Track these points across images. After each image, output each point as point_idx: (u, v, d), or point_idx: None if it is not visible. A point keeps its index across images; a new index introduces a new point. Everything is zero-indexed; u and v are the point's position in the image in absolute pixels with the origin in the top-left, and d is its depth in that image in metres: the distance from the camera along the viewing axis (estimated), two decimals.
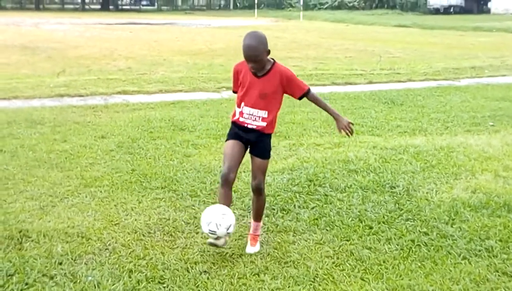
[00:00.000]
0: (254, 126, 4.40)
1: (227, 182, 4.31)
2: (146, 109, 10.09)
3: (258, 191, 4.51)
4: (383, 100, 11.39)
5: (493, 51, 22.56)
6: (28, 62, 16.74)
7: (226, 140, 4.51)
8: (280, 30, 34.80)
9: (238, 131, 4.46)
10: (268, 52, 4.31)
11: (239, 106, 4.46)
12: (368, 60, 18.54)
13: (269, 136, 4.51)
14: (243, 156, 4.47)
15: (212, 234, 4.17)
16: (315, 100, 4.59)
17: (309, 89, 4.51)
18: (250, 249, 4.49)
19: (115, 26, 36.85)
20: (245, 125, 4.42)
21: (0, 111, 9.58)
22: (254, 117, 4.39)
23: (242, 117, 4.42)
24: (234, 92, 4.58)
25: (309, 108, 10.19)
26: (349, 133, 4.57)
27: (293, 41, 25.94)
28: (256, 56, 4.24)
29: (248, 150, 4.51)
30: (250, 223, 4.75)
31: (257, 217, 4.63)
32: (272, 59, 4.42)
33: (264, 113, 4.39)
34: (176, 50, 21.10)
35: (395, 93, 12.23)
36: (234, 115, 4.51)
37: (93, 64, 16.50)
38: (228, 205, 4.33)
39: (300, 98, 4.54)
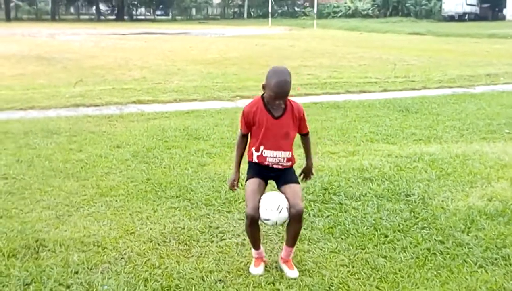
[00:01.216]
0: (280, 167, 4.27)
1: (254, 221, 4.17)
2: (161, 118, 10.14)
3: (299, 217, 4.23)
4: (398, 108, 11.36)
5: (508, 58, 22.44)
6: (44, 72, 16.90)
7: (246, 180, 4.32)
8: (294, 39, 34.85)
9: (261, 170, 4.29)
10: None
11: (257, 150, 4.26)
12: (383, 68, 18.51)
13: (292, 167, 4.38)
14: (264, 192, 4.32)
15: (267, 221, 4.16)
16: (308, 140, 4.52)
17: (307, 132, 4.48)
18: (291, 273, 4.27)
19: (130, 36, 37.12)
20: (269, 165, 4.28)
21: (17, 121, 9.67)
22: (278, 159, 4.23)
23: (266, 161, 4.25)
24: (243, 135, 4.36)
25: (324, 116, 10.19)
26: (305, 179, 4.58)
27: (307, 49, 25.96)
28: (288, 92, 4.11)
29: (277, 186, 4.34)
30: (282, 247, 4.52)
31: (293, 243, 4.37)
32: None
33: (288, 154, 4.25)
34: (190, 59, 21.20)
35: (410, 101, 12.20)
36: (251, 155, 4.32)
37: (108, 74, 16.63)
38: (258, 236, 4.32)
39: (304, 134, 4.44)
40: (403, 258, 4.53)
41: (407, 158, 7.28)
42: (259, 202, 4.17)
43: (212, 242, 4.82)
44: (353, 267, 4.39)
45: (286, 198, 4.21)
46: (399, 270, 4.33)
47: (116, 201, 5.78)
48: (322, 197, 5.85)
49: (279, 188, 4.33)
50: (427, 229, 5.09)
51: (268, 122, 4.18)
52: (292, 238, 4.34)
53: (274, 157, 4.24)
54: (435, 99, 12.54)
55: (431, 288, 4.08)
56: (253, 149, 4.29)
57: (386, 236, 4.93)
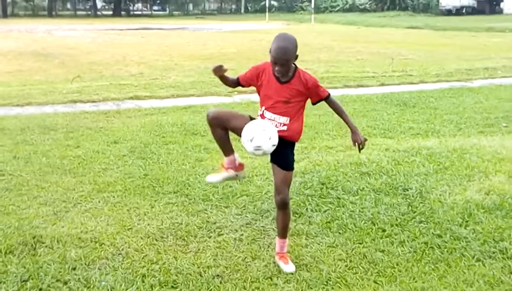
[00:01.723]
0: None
1: (212, 123, 4.26)
2: (158, 114, 10.12)
3: (283, 206, 4.25)
4: (395, 102, 11.36)
5: (506, 51, 22.43)
6: (41, 68, 16.86)
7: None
8: (291, 33, 34.77)
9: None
10: (297, 57, 4.19)
11: (260, 108, 4.31)
12: (380, 63, 18.49)
13: (292, 145, 4.30)
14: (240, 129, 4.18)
15: (257, 149, 4.01)
16: (333, 105, 4.47)
17: (329, 95, 4.40)
18: (287, 267, 4.25)
19: (127, 31, 37.06)
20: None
21: (14, 117, 9.65)
22: (275, 123, 4.19)
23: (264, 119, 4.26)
24: (238, 79, 4.42)
25: (321, 111, 10.17)
26: (360, 149, 4.47)
27: (304, 44, 25.89)
28: (287, 60, 4.09)
29: (270, 158, 4.29)
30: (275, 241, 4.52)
31: (284, 234, 4.38)
32: (294, 64, 4.25)
33: (286, 120, 4.19)
34: (187, 55, 21.16)
35: (408, 95, 12.19)
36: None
37: (105, 70, 16.59)
38: (226, 139, 4.29)
39: (322, 100, 4.40)
40: (401, 252, 4.54)
41: (405, 152, 7.28)
42: (227, 117, 4.24)
43: (209, 237, 4.82)
44: (350, 261, 4.39)
45: (274, 182, 4.25)
46: (397, 264, 4.33)
47: (114, 196, 5.77)
48: (319, 192, 5.85)
49: (271, 163, 4.30)
50: (425, 223, 5.10)
51: (270, 84, 4.21)
52: (282, 228, 4.36)
53: (272, 119, 4.21)
54: (433, 93, 12.54)
55: (429, 282, 4.08)
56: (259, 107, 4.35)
57: (384, 230, 4.93)
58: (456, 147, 7.50)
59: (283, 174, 4.22)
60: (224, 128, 4.28)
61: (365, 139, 4.45)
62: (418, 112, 10.38)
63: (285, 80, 4.20)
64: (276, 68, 4.13)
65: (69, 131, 8.59)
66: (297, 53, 4.18)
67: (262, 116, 4.26)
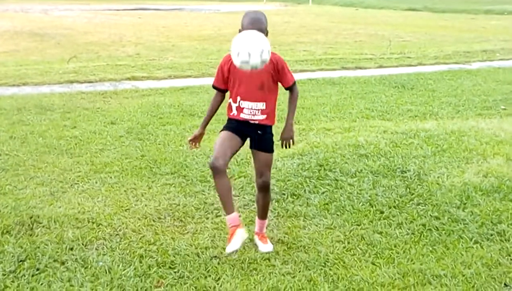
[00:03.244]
0: (256, 121, 4.14)
1: (217, 170, 3.96)
2: (155, 95, 10.07)
3: (265, 188, 4.25)
4: (394, 84, 11.33)
5: (505, 34, 22.38)
6: (37, 48, 16.76)
7: (220, 131, 4.23)
8: (289, 15, 34.63)
9: (238, 126, 4.16)
10: (267, 33, 4.02)
11: (235, 101, 4.15)
12: (378, 45, 18.44)
13: (270, 128, 4.25)
14: (237, 149, 4.20)
15: (245, 64, 3.79)
16: (293, 94, 4.25)
17: (295, 82, 4.23)
18: (264, 247, 4.28)
19: (124, 12, 36.82)
20: (246, 120, 4.14)
21: (10, 97, 9.60)
22: (254, 112, 4.11)
23: (242, 113, 4.13)
24: (214, 87, 4.27)
25: (319, 93, 10.15)
26: (285, 146, 4.31)
27: (302, 26, 25.80)
28: (262, 29, 3.93)
29: (250, 145, 4.24)
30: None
31: (264, 215, 4.39)
32: None
33: (262, 105, 4.10)
34: (185, 35, 21.05)
35: (406, 78, 12.16)
36: (230, 110, 4.21)
37: (102, 50, 16.50)
38: (228, 193, 4.05)
39: (287, 89, 4.22)
40: (399, 234, 4.53)
41: (403, 134, 7.26)
42: (224, 151, 4.03)
43: (207, 218, 4.81)
44: (348, 243, 4.39)
45: (255, 166, 4.22)
46: (395, 246, 4.33)
47: (111, 177, 5.75)
48: (317, 173, 5.83)
49: (251, 149, 4.24)
50: (423, 205, 5.09)
51: (244, 72, 3.98)
52: (263, 209, 4.36)
53: (250, 108, 4.12)
54: (431, 76, 12.51)
55: (427, 263, 4.07)
56: (230, 100, 4.20)
57: (382, 212, 4.93)
58: (454, 129, 7.49)
59: (266, 156, 4.21)
60: (228, 179, 4.10)
61: (293, 143, 4.32)
62: (416, 95, 10.36)
63: None
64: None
65: (65, 112, 8.54)
66: (267, 28, 4.07)
67: (239, 108, 4.14)
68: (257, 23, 3.98)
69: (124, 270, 3.94)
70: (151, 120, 8.05)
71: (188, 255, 4.16)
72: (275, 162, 6.12)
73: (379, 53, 16.02)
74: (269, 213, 4.81)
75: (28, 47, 17.06)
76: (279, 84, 4.20)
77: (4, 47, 16.83)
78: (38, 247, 4.22)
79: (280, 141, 4.29)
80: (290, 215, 4.89)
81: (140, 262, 4.05)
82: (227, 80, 4.19)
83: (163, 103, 9.23)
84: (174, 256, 4.14)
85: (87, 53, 15.74)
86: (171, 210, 4.96)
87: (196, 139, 4.37)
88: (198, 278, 3.86)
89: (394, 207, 5.05)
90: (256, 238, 4.39)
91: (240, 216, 4.42)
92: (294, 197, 5.27)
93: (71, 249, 4.23)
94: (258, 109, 4.12)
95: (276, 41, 19.57)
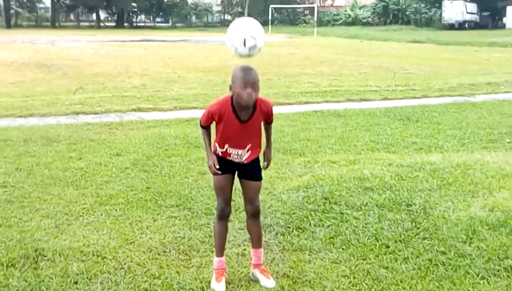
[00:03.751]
0: (244, 161, 4.19)
1: (224, 217, 4.27)
2: (161, 126, 10.11)
3: (257, 215, 4.30)
4: (398, 116, 11.35)
5: (509, 66, 22.47)
6: (44, 79, 16.90)
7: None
8: (294, 47, 34.89)
9: (226, 164, 4.20)
10: (258, 88, 4.02)
11: (221, 147, 4.17)
12: (383, 77, 18.52)
13: (257, 158, 4.27)
14: (233, 185, 4.29)
15: (253, 48, 4.01)
16: (269, 130, 4.33)
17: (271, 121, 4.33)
18: (268, 282, 4.20)
19: (130, 43, 37.16)
20: (233, 160, 4.20)
21: (16, 129, 9.65)
22: (241, 155, 4.16)
23: (229, 157, 4.17)
24: (203, 127, 4.23)
25: (324, 125, 10.18)
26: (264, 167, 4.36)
27: (307, 57, 25.98)
28: (256, 82, 3.93)
29: (238, 174, 4.27)
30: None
31: (259, 243, 4.36)
32: None
33: (249, 146, 4.15)
34: (190, 67, 21.21)
35: (411, 110, 12.18)
36: (214, 148, 4.22)
37: (108, 81, 16.63)
38: (225, 239, 4.31)
39: (268, 123, 4.29)
40: (405, 269, 4.50)
41: (408, 167, 7.25)
42: (229, 195, 4.22)
43: (212, 252, 4.76)
44: (354, 278, 4.35)
45: (244, 194, 4.31)
46: (401, 281, 4.29)
47: (116, 210, 5.75)
48: (323, 206, 5.82)
49: (240, 179, 4.27)
50: (429, 239, 5.06)
51: (234, 126, 4.05)
52: (258, 238, 4.35)
53: (238, 154, 4.16)
54: (436, 108, 12.53)
55: None
56: (217, 144, 4.20)
57: (388, 247, 4.90)
58: (459, 163, 7.47)
59: (256, 185, 4.29)
60: (227, 223, 4.36)
61: (268, 163, 4.36)
62: (421, 127, 10.37)
63: (246, 118, 4.06)
64: (247, 91, 3.90)
65: (71, 143, 8.58)
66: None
67: (226, 153, 4.17)
68: (254, 76, 3.94)
69: None
70: (156, 152, 8.07)
71: (193, 289, 4.13)
72: (280, 195, 6.14)
73: (384, 85, 16.09)
74: (275, 247, 4.81)
75: (35, 78, 17.21)
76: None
77: (11, 78, 16.98)
78: (43, 281, 4.20)
79: (265, 164, 4.34)
80: (295, 248, 4.86)
81: None
82: (213, 119, 4.17)
83: (168, 134, 9.26)
84: (178, 290, 4.11)
85: (93, 84, 15.86)
86: (176, 243, 4.94)
87: (214, 163, 4.25)
88: None
89: (400, 241, 5.02)
90: (256, 271, 4.30)
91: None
92: (299, 230, 5.25)
93: (76, 282, 4.21)
94: (246, 151, 4.17)
95: (281, 72, 19.72)
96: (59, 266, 4.45)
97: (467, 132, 9.93)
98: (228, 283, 4.22)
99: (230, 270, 4.43)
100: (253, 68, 3.98)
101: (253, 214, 4.30)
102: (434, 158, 7.79)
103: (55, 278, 4.25)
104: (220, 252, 4.31)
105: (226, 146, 4.16)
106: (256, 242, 4.36)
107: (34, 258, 4.58)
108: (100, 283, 4.22)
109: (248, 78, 3.91)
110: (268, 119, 4.25)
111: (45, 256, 4.62)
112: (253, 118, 4.10)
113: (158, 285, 4.20)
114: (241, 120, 4.06)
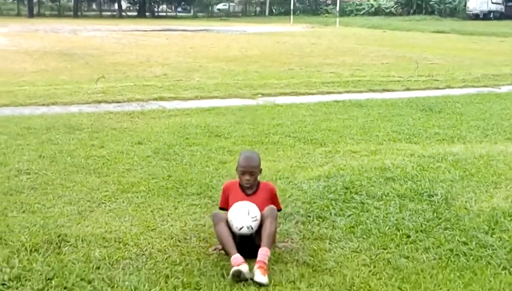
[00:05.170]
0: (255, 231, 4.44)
1: (223, 219, 4.44)
2: (182, 115, 10.15)
3: (273, 213, 4.42)
4: (421, 107, 11.27)
5: None
6: (66, 68, 17.04)
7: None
8: (316, 37, 34.75)
9: None
10: (261, 170, 4.62)
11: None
12: (406, 67, 18.38)
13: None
14: None
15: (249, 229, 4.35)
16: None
17: (280, 209, 4.72)
18: (261, 278, 4.05)
19: (152, 32, 37.28)
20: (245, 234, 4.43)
21: (39, 117, 9.75)
22: (251, 228, 4.41)
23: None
24: (221, 208, 4.69)
25: (346, 115, 10.14)
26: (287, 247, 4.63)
27: (329, 47, 25.87)
28: (255, 167, 4.51)
29: None
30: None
31: (269, 243, 4.29)
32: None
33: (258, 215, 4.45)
34: (211, 56, 21.23)
35: (433, 101, 12.09)
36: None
37: (129, 70, 16.71)
38: (231, 236, 4.33)
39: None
40: (426, 258, 4.48)
41: (430, 157, 7.20)
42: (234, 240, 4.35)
43: None
44: (374, 267, 4.35)
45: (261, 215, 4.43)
46: (422, 271, 4.28)
47: (137, 197, 5.79)
48: (343, 196, 5.80)
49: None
50: (450, 229, 5.03)
51: (240, 198, 4.50)
52: (268, 236, 4.29)
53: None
54: (459, 99, 12.42)
55: (454, 289, 4.02)
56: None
57: (409, 236, 4.88)
58: (482, 153, 7.40)
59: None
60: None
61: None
62: (444, 118, 10.29)
63: (251, 192, 4.56)
64: (245, 178, 4.50)
65: (93, 131, 8.65)
66: (261, 167, 4.64)
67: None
68: (250, 161, 4.56)
69: (150, 290, 3.95)
70: (177, 141, 8.11)
71: (214, 276, 4.15)
72: (301, 184, 6.14)
73: (406, 76, 15.97)
74: (295, 236, 4.81)
75: (57, 67, 17.35)
76: None
77: (34, 67, 17.14)
78: (66, 266, 4.25)
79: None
80: (315, 237, 4.86)
81: (166, 282, 4.06)
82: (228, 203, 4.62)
83: (189, 124, 9.29)
84: (199, 277, 4.14)
85: (115, 73, 15.95)
86: (196, 230, 4.97)
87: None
88: None
89: (421, 231, 5.00)
90: (255, 266, 4.12)
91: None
92: (320, 219, 5.25)
93: (98, 268, 4.25)
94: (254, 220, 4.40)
95: (303, 62, 19.66)
96: (82, 251, 4.50)
97: (490, 123, 9.84)
98: (249, 269, 4.23)
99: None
100: (253, 156, 4.65)
101: (270, 212, 4.40)
102: (456, 149, 7.73)
103: (78, 263, 4.30)
104: (234, 248, 4.23)
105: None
106: (266, 240, 4.26)
107: (57, 243, 4.63)
108: (122, 268, 4.25)
109: (247, 167, 4.52)
110: (275, 204, 4.54)
111: (67, 242, 4.67)
112: (258, 194, 4.56)
113: (179, 271, 4.22)
114: (246, 193, 4.56)
